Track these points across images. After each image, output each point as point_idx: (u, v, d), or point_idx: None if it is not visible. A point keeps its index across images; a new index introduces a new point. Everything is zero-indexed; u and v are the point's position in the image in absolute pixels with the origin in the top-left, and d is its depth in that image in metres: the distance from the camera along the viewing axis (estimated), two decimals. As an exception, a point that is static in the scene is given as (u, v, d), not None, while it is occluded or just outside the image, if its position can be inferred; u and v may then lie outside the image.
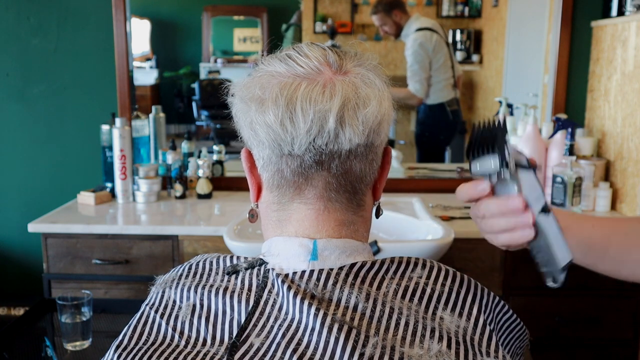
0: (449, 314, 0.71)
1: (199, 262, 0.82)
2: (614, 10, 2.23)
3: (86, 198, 2.29)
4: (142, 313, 0.76)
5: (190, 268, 0.81)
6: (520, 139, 2.21)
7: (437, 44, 2.60)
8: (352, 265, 0.73)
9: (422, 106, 2.69)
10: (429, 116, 2.70)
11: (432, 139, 2.79)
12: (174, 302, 0.75)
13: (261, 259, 0.77)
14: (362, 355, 0.64)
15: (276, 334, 0.68)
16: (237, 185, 2.46)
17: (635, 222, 0.82)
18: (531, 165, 0.74)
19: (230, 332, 0.70)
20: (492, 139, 0.74)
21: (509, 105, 2.42)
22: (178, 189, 2.36)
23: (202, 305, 0.73)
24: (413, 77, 2.58)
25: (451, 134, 2.79)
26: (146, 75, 2.83)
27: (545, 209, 0.73)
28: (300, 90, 0.70)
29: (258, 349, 0.67)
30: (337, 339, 0.65)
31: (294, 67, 0.72)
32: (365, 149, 0.73)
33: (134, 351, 0.70)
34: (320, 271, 0.72)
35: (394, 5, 2.59)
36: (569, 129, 2.08)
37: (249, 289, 0.73)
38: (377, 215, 0.82)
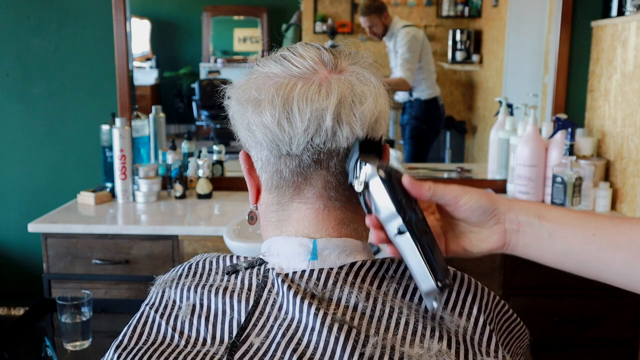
0: (448, 314, 0.71)
1: (198, 262, 0.82)
2: (614, 10, 2.23)
3: (86, 198, 2.29)
4: (142, 313, 0.75)
5: (190, 268, 0.81)
6: (520, 139, 2.21)
7: (424, 38, 2.72)
8: (352, 264, 0.73)
9: (415, 101, 2.73)
10: (424, 110, 2.76)
11: (424, 134, 2.83)
12: (174, 302, 0.75)
13: (261, 258, 0.77)
14: (362, 354, 0.64)
15: (276, 334, 0.68)
16: (237, 185, 2.46)
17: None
18: (390, 178, 0.69)
19: (230, 332, 0.70)
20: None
21: (509, 105, 2.42)
22: (178, 189, 2.36)
23: (202, 305, 0.73)
24: (404, 64, 2.66)
25: (440, 128, 2.87)
26: (146, 75, 2.83)
27: (400, 230, 0.68)
28: (297, 90, 0.70)
29: (258, 349, 0.67)
30: (337, 339, 0.65)
31: (289, 67, 0.72)
32: None
33: (134, 351, 0.69)
34: (320, 270, 0.72)
35: (384, 7, 2.68)
36: (569, 129, 2.08)
37: (249, 289, 0.73)
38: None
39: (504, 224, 0.72)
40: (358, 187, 0.70)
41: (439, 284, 0.67)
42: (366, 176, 0.69)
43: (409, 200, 0.70)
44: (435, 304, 0.69)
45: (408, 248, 0.68)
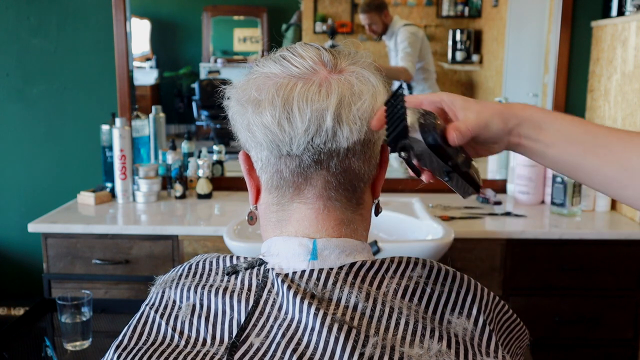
0: (456, 317, 0.71)
1: (198, 262, 0.82)
2: (614, 10, 2.23)
3: (86, 198, 2.29)
4: (142, 313, 0.75)
5: (190, 268, 0.81)
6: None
7: (424, 37, 2.72)
8: (352, 264, 0.73)
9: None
10: None
11: None
12: (174, 302, 0.75)
13: (261, 259, 0.77)
14: (362, 355, 0.64)
15: (276, 334, 0.68)
16: (237, 185, 2.46)
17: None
18: (430, 132, 0.70)
19: (230, 332, 0.70)
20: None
21: (509, 105, 2.42)
22: (178, 189, 2.36)
23: (202, 305, 0.73)
24: (406, 57, 2.67)
25: None
26: (146, 75, 2.83)
27: (449, 175, 0.73)
28: (297, 90, 0.70)
29: (258, 349, 0.67)
30: (337, 339, 0.65)
31: (288, 67, 0.72)
32: (362, 146, 0.73)
33: (134, 351, 0.70)
34: (320, 271, 0.72)
35: (385, 6, 2.69)
36: (569, 129, 2.08)
37: (249, 289, 0.73)
38: (377, 213, 0.82)
39: (509, 136, 0.73)
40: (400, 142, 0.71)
41: (480, 189, 0.76)
42: (407, 128, 0.70)
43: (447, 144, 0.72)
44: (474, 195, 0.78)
45: (457, 185, 0.74)
